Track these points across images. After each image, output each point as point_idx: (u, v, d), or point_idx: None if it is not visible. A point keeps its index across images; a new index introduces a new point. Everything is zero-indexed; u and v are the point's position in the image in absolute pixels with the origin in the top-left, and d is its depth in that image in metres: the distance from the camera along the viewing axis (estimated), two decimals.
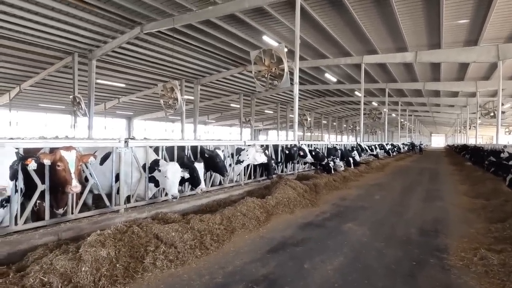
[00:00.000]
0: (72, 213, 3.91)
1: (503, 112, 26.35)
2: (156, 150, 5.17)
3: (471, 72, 19.97)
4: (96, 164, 4.58)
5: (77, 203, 3.97)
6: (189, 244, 3.69)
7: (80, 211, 4.02)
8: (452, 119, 47.51)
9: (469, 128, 31.81)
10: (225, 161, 6.47)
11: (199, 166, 5.00)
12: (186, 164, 4.98)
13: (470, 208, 6.48)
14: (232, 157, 6.87)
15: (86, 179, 4.23)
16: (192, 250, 3.63)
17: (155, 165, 4.63)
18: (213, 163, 5.63)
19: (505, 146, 10.94)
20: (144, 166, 4.78)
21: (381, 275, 3.26)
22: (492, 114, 20.68)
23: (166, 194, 4.87)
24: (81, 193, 4.10)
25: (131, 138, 5.18)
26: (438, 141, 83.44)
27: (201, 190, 5.00)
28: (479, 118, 23.19)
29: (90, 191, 4.44)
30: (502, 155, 9.54)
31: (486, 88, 21.25)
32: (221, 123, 55.81)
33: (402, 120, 41.14)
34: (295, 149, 8.97)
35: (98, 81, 20.03)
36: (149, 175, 4.78)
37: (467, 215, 5.91)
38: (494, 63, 15.02)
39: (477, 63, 16.24)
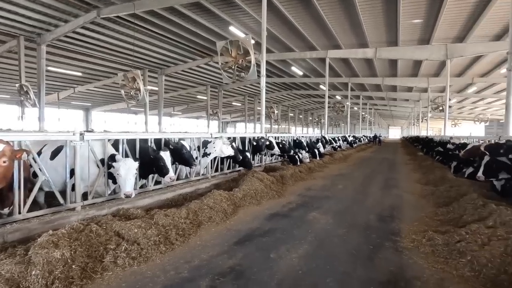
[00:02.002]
0: (20, 212, 3.57)
1: (450, 107, 28.97)
2: (116, 143, 4.88)
3: (423, 69, 21.58)
4: (47, 158, 4.22)
5: (25, 202, 3.63)
6: (153, 240, 3.57)
7: (30, 211, 3.68)
8: (407, 113, 51.19)
9: (422, 121, 34.49)
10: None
11: (165, 155, 4.84)
12: (150, 154, 4.79)
13: (421, 194, 7.06)
14: (199, 150, 6.74)
15: (35, 175, 3.88)
16: (156, 246, 3.52)
17: (111, 160, 4.38)
18: (179, 154, 5.47)
19: (451, 138, 12.03)
20: (102, 161, 4.50)
21: (342, 260, 3.44)
22: (441, 108, 22.59)
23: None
24: (30, 190, 3.76)
25: (89, 131, 4.85)
26: (394, 133, 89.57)
27: (170, 178, 4.84)
28: (430, 111, 25.25)
29: (41, 188, 4.08)
30: (448, 145, 10.48)
31: (436, 84, 23.14)
32: (187, 115, 54.39)
33: (363, 113, 43.42)
34: (262, 141, 9.05)
35: (50, 68, 18.39)
36: (108, 171, 4.52)
37: (418, 201, 6.43)
38: (443, 61, 16.35)
39: (429, 61, 17.56)
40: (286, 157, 10.81)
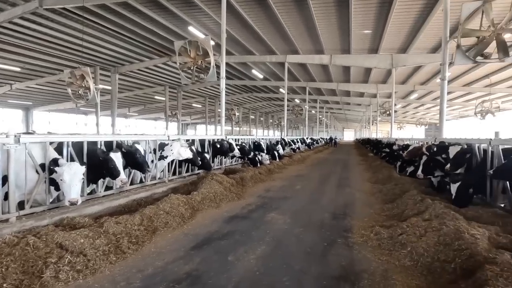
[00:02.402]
0: None
1: (395, 111, 31.73)
2: (61, 146, 4.47)
3: (373, 76, 23.34)
4: None
5: None
6: (102, 250, 3.33)
7: None
8: (360, 116, 54.82)
9: (372, 124, 37.19)
10: (146, 157, 6.05)
11: (116, 156, 4.56)
12: (99, 156, 4.50)
13: (370, 192, 7.61)
14: (155, 152, 6.46)
15: None
16: (106, 256, 3.29)
17: (53, 165, 4.00)
18: (132, 159, 5.18)
19: (396, 140, 13.15)
20: (43, 166, 4.09)
21: (299, 258, 3.55)
22: (388, 112, 24.58)
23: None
24: None
25: (29, 132, 4.37)
26: (349, 135, 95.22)
27: (121, 181, 4.56)
28: (379, 115, 27.35)
29: None
30: (394, 147, 11.45)
31: (384, 90, 25.14)
32: (144, 116, 51.92)
33: (320, 116, 45.44)
34: (225, 143, 8.98)
35: None
36: (50, 176, 4.12)
37: (368, 198, 6.92)
38: (389, 70, 17.85)
39: (377, 69, 19.04)
40: (247, 159, 10.88)
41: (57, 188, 4.18)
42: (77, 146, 4.72)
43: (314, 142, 28.81)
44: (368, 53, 17.21)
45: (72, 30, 13.75)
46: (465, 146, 5.60)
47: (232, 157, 10.48)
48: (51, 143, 4.34)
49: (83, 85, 11.74)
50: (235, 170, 9.40)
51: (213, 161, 9.21)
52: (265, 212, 5.55)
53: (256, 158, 10.71)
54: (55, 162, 4.10)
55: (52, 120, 41.13)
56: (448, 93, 24.47)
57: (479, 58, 7.35)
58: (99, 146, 5.07)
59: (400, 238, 3.80)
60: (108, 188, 5.38)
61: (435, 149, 6.14)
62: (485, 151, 5.04)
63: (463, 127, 46.69)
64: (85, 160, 4.65)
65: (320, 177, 10.46)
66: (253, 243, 3.97)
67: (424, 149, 6.65)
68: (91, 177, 4.71)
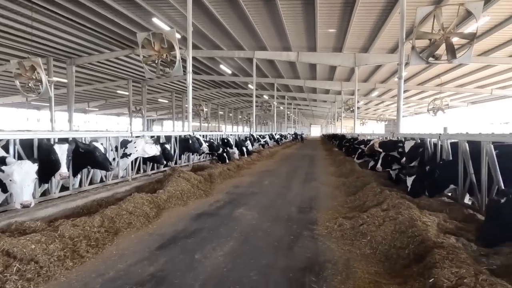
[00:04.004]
0: None
1: (358, 108, 33.32)
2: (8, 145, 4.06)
3: (338, 74, 24.25)
4: None
5: None
6: (56, 255, 3.10)
7: None
8: (326, 112, 56.81)
9: (337, 120, 38.75)
10: (107, 155, 5.73)
11: (60, 148, 4.24)
12: (43, 146, 4.23)
13: (335, 185, 7.94)
14: (117, 150, 6.13)
15: None
16: (61, 262, 3.06)
17: (0, 164, 3.63)
18: (91, 157, 4.86)
19: (358, 135, 13.86)
20: None
21: (266, 252, 3.60)
22: (351, 109, 25.72)
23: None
24: None
25: None
26: (316, 131, 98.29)
27: (60, 175, 4.20)
28: (343, 112, 28.55)
29: None
30: (355, 142, 12.05)
31: (348, 88, 26.28)
32: (106, 111, 49.10)
33: (288, 112, 46.33)
34: (194, 140, 8.78)
35: None
36: None
37: (333, 191, 7.21)
38: (352, 68, 18.67)
39: (341, 67, 19.83)
40: (215, 155, 10.77)
41: (5, 190, 3.80)
42: (28, 144, 4.32)
43: (283, 138, 29.34)
44: (333, 52, 17.83)
45: (20, 16, 12.50)
46: (419, 141, 6.06)
47: (201, 153, 10.30)
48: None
49: (34, 77, 10.76)
50: (203, 167, 9.26)
51: (180, 158, 8.99)
52: (233, 208, 5.55)
53: (225, 154, 10.64)
54: (1, 161, 3.71)
55: None
56: (405, 91, 26.30)
57: (431, 59, 7.96)
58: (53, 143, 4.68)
59: (361, 228, 4.02)
60: (64, 188, 5.01)
61: (386, 145, 6.58)
62: (435, 145, 5.49)
63: (418, 123, 50.46)
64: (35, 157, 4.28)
65: (288, 172, 10.69)
66: (221, 240, 3.95)
67: (376, 146, 7.10)
68: (43, 175, 4.34)
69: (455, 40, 7.88)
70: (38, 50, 16.79)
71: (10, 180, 3.55)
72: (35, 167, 3.73)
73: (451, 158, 4.97)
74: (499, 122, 33.81)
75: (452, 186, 4.84)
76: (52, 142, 4.59)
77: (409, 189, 5.15)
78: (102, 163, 4.96)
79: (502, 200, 2.89)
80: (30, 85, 11.10)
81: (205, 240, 3.97)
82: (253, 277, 3.01)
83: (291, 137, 36.83)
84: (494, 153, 3.80)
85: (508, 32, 13.45)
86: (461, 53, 7.81)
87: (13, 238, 3.11)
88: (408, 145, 5.91)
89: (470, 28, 10.86)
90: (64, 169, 4.22)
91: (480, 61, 17.25)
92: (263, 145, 19.48)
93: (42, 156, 4.29)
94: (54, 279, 2.86)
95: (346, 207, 5.63)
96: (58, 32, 14.66)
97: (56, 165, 4.18)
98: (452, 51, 7.51)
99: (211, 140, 10.34)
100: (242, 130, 58.66)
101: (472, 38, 7.45)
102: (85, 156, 4.78)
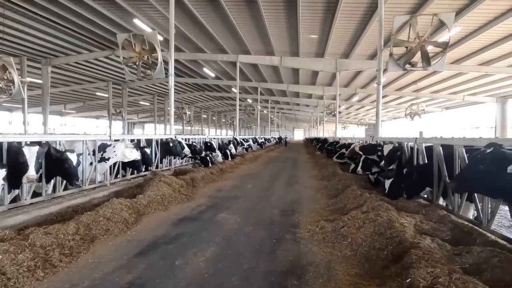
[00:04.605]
0: None
1: (340, 112, 34.08)
2: None
3: (320, 79, 24.74)
4: None
5: None
6: (26, 265, 2.92)
7: None
8: (308, 116, 57.69)
9: (319, 124, 39.40)
10: (83, 161, 5.52)
11: (30, 150, 4.07)
12: (12, 148, 4.09)
13: (317, 188, 8.03)
14: (94, 154, 5.92)
15: None
16: (31, 273, 2.90)
17: None
18: (60, 167, 4.63)
19: (340, 138, 14.16)
20: None
21: (248, 257, 3.57)
22: (333, 113, 26.29)
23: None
24: None
25: None
26: (299, 135, 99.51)
27: (27, 178, 4.00)
28: (325, 116, 29.10)
29: None
30: (337, 145, 12.30)
31: (330, 92, 26.84)
32: (84, 114, 47.46)
33: (272, 116, 46.66)
34: (175, 143, 8.62)
35: None
36: None
37: (315, 194, 7.29)
38: (334, 73, 19.11)
39: (323, 72, 20.25)
40: (198, 159, 10.63)
41: None
42: None
43: (266, 141, 29.46)
44: (315, 57, 18.18)
45: None
46: (397, 144, 6.26)
47: (183, 157, 10.14)
48: None
49: (5, 77, 10.21)
50: (185, 171, 9.11)
51: (161, 162, 8.80)
52: (215, 212, 5.48)
53: (208, 157, 10.53)
54: None
55: None
56: (383, 96, 27.17)
57: (407, 66, 8.28)
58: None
59: (342, 231, 4.08)
60: (36, 194, 4.76)
61: (366, 149, 6.78)
62: (412, 148, 5.69)
63: (396, 127, 52.30)
64: (5, 162, 4.05)
65: (271, 175, 10.72)
66: (202, 245, 3.88)
67: (357, 149, 7.28)
68: (12, 180, 4.11)
69: (430, 48, 8.26)
70: (10, 49, 16.02)
71: None
72: (2, 172, 3.53)
73: (426, 161, 5.17)
74: (470, 127, 35.65)
75: (428, 188, 5.02)
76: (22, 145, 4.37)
77: (386, 191, 5.30)
78: (69, 176, 4.74)
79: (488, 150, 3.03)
80: (0, 85, 10.52)
81: (186, 245, 3.89)
82: (234, 282, 2.97)
83: (275, 141, 37.08)
84: (465, 156, 3.98)
85: (478, 42, 14.27)
86: (435, 60, 8.18)
87: None
88: (386, 149, 6.10)
89: (443, 37, 11.43)
90: (32, 172, 4.02)
91: (453, 68, 18.15)
92: (246, 149, 19.46)
93: (11, 159, 4.07)
94: None
95: (327, 209, 5.71)
96: (32, 31, 14.06)
97: (23, 168, 3.98)
98: (427, 59, 7.85)
99: (194, 144, 10.21)
100: (225, 134, 58.42)
101: (445, 46, 7.84)
102: (55, 164, 4.58)
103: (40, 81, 18.61)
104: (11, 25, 12.98)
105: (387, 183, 5.33)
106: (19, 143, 4.41)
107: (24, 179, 4.00)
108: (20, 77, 10.96)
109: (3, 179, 3.73)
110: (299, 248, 3.87)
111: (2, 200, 4.13)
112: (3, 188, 4.04)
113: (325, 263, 3.41)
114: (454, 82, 23.26)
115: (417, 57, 8.11)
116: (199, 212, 5.50)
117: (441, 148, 4.60)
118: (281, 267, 3.31)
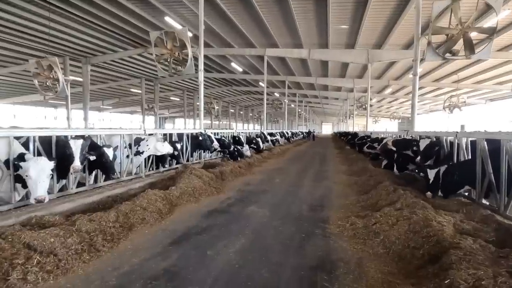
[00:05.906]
0: None
1: (371, 105, 32.72)
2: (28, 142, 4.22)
3: (350, 71, 23.88)
4: None
5: None
6: (74, 248, 3.20)
7: None
8: (337, 110, 56.10)
9: (349, 118, 38.19)
10: (121, 153, 5.86)
11: (75, 143, 4.44)
12: (59, 141, 4.50)
13: (347, 184, 7.84)
14: (130, 147, 6.26)
15: None
16: (79, 255, 3.16)
17: (19, 160, 3.78)
18: (99, 161, 4.99)
19: (371, 133, 13.64)
20: (7, 162, 3.84)
21: (277, 250, 3.60)
22: (364, 106, 25.31)
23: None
24: None
25: None
26: (327, 129, 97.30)
27: (73, 168, 4.40)
28: (356, 109, 28.12)
29: None
30: (368, 140, 11.87)
31: (360, 85, 25.86)
32: (119, 109, 50.09)
33: (299, 110, 46.02)
34: (205, 137, 8.84)
35: None
36: (16, 173, 3.87)
37: (344, 190, 7.13)
38: (365, 65, 18.34)
39: (354, 64, 19.51)
40: (227, 153, 10.82)
41: (25, 185, 3.95)
42: (46, 141, 4.47)
43: (294, 136, 29.20)
44: (345, 48, 17.55)
45: (38, 17, 12.88)
46: (434, 139, 5.90)
47: (212, 151, 10.38)
48: (19, 138, 4.09)
49: (51, 76, 11.08)
50: (214, 164, 9.32)
51: (192, 155, 9.08)
52: (244, 205, 5.57)
53: (236, 152, 10.68)
54: (20, 157, 3.86)
55: (17, 114, 38.64)
56: (420, 88, 25.63)
57: (447, 55, 7.72)
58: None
59: (374, 227, 3.96)
60: (80, 184, 5.16)
61: (400, 144, 6.46)
62: (452, 143, 5.34)
63: (433, 121, 49.17)
64: (54, 155, 4.42)
65: (299, 170, 10.64)
66: (232, 237, 3.98)
67: (389, 144, 6.96)
68: (59, 169, 4.50)
69: (473, 35, 7.62)
70: (55, 49, 17.26)
71: (27, 176, 3.69)
72: (51, 164, 3.87)
73: (468, 157, 4.83)
74: None
75: (467, 187, 4.69)
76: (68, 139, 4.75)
77: (431, 181, 4.91)
78: (106, 169, 5.16)
79: None
80: (47, 84, 11.44)
81: (217, 237, 4.01)
82: (264, 274, 3.02)
83: (302, 135, 36.60)
84: None
85: None
86: (479, 48, 7.53)
87: (33, 232, 3.24)
88: (423, 144, 5.78)
89: (489, 22, 10.46)
90: (77, 163, 4.40)
91: (500, 56, 16.61)
92: (274, 143, 19.45)
93: (59, 151, 4.46)
94: (72, 271, 2.96)
95: (358, 206, 5.56)
96: (74, 32, 15.03)
97: (70, 159, 4.35)
98: (470, 47, 7.26)
99: (223, 138, 10.39)
100: (253, 128, 58.74)
101: (492, 32, 7.18)
102: (94, 160, 4.93)
103: (80, 79, 19.95)
104: (55, 28, 13.96)
105: (431, 173, 4.93)
106: (66, 136, 4.79)
107: (71, 169, 4.36)
108: (63, 75, 11.83)
109: (52, 170, 4.07)
110: (329, 243, 3.82)
111: (52, 189, 4.53)
112: (52, 178, 4.42)
113: (356, 260, 3.35)
114: (501, 71, 21.30)
115: (459, 45, 7.52)
116: (228, 205, 5.62)
117: (485, 143, 4.27)
118: (311, 262, 3.30)
